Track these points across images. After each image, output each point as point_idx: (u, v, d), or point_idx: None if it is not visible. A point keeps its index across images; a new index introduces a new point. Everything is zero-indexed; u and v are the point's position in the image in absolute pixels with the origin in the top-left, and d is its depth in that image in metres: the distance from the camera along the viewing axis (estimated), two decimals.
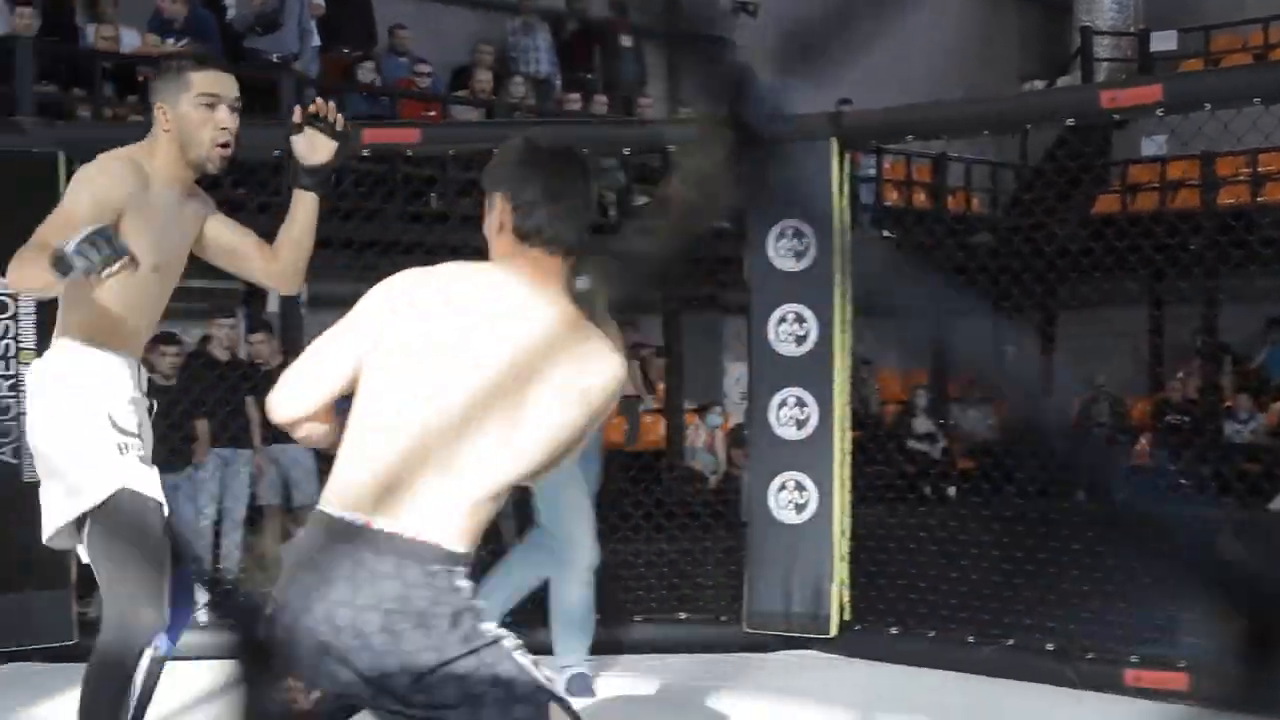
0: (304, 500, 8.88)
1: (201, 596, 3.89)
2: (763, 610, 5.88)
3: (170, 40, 10.14)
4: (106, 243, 3.18)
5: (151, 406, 3.73)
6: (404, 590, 2.50)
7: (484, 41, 12.59)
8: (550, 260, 2.65)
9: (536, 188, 2.65)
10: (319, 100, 3.75)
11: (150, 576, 3.43)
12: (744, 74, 1.83)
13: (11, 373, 5.77)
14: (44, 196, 5.67)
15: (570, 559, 5.18)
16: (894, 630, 5.83)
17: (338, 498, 2.59)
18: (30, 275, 3.33)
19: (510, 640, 2.57)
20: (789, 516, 5.84)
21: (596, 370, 2.60)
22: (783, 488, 5.84)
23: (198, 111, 3.59)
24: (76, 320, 3.57)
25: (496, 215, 2.69)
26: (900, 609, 6.05)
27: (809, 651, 5.82)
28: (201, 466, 8.34)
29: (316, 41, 11.30)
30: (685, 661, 5.77)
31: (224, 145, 3.63)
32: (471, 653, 2.53)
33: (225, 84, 3.64)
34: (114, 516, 3.43)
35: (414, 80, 11.69)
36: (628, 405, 11.13)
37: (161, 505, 3.47)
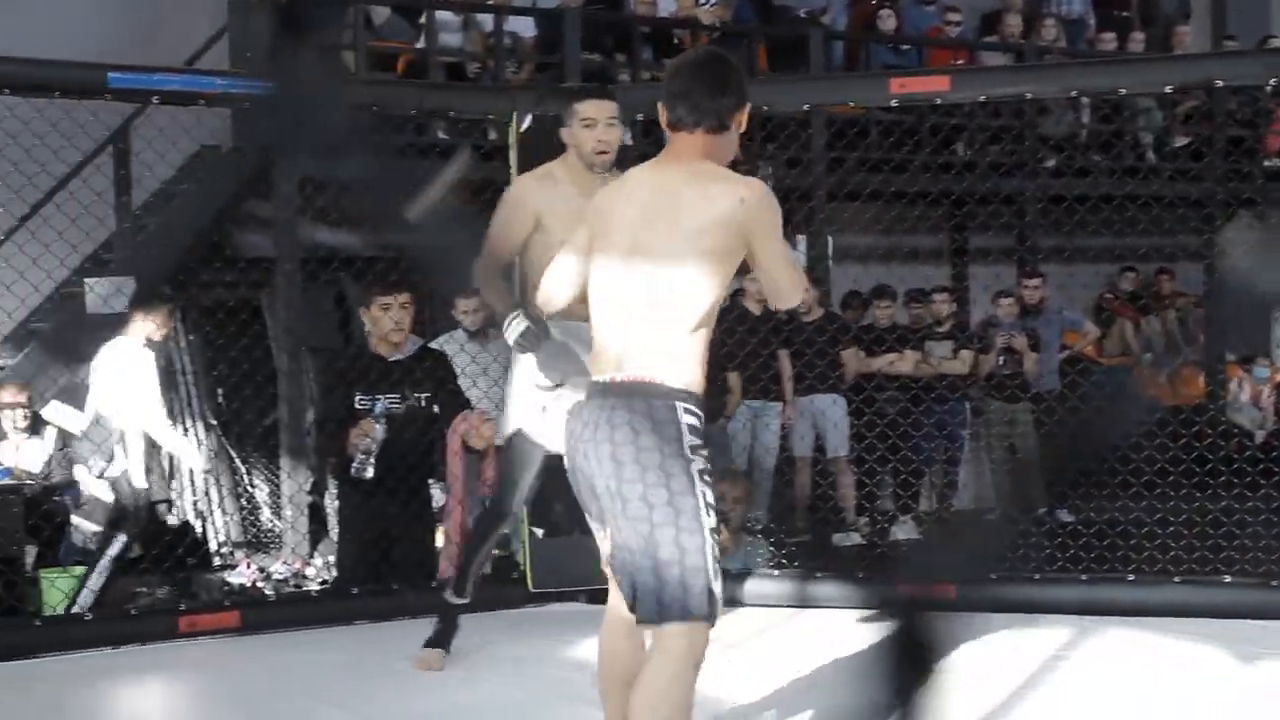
0: (834, 452, 9.01)
1: None
2: None
3: (704, 2, 10.45)
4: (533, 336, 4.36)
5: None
6: (631, 418, 3.24)
7: None
8: (691, 137, 3.38)
9: (674, 88, 3.40)
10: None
11: (514, 487, 4.88)
12: None
13: None
14: None
15: None
16: None
17: (595, 368, 3.39)
18: (489, 297, 4.99)
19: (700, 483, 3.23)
20: None
21: (719, 199, 3.29)
22: None
23: (582, 132, 4.79)
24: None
25: (661, 116, 3.44)
26: None
27: None
28: (733, 418, 8.59)
29: None
30: (1230, 626, 5.49)
31: (601, 153, 4.80)
32: (681, 460, 3.21)
33: (599, 109, 4.79)
34: (509, 446, 4.91)
35: (943, 28, 11.57)
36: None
37: (539, 445, 4.78)
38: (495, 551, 7.65)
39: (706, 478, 3.25)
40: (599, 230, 3.45)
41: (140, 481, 6.88)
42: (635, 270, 3.31)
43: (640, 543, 3.22)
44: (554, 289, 3.67)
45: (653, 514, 3.20)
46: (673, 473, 3.21)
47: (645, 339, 3.29)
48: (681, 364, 3.28)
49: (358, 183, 7.43)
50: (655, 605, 3.21)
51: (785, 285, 3.44)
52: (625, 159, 5.34)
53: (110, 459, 7.02)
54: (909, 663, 3.43)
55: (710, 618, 3.22)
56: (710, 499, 3.24)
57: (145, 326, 7.10)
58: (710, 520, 3.23)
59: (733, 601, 5.99)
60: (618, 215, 3.41)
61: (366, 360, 6.09)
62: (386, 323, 6.05)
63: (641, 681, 3.24)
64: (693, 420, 3.27)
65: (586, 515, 3.47)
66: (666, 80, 3.44)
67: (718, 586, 3.22)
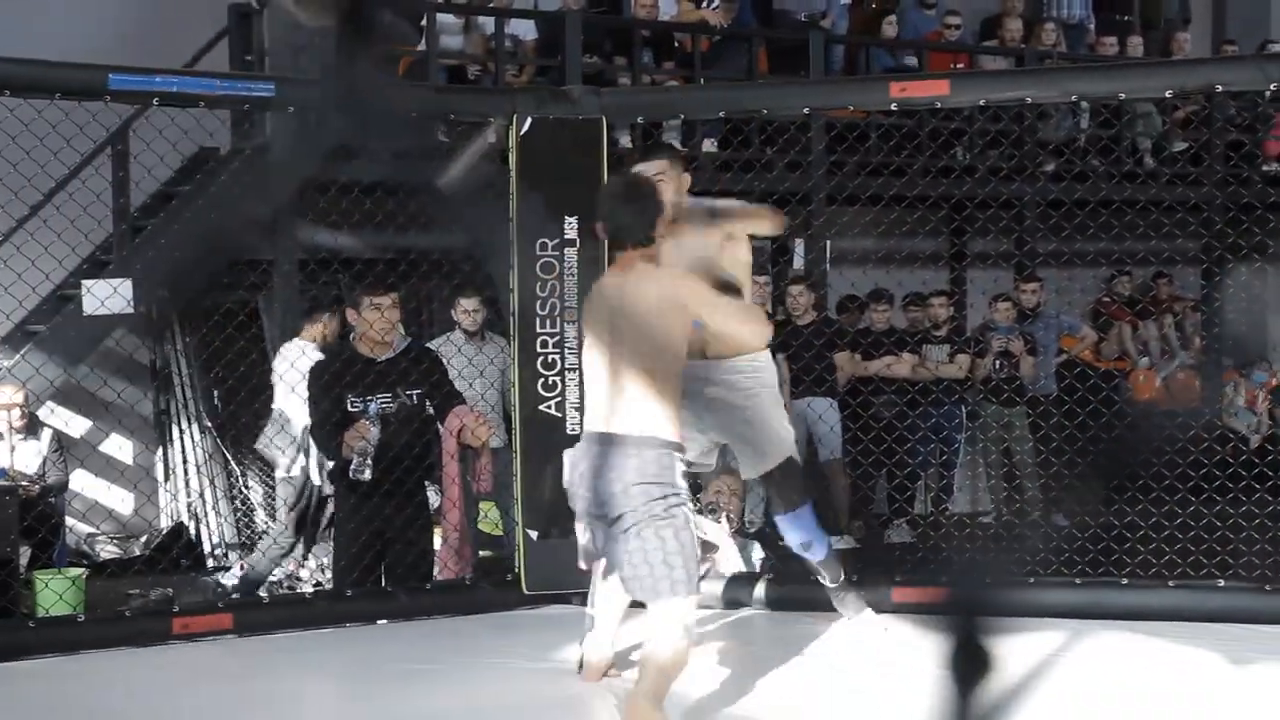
0: (827, 455, 9.01)
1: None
2: None
3: (704, 4, 10.45)
4: None
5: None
6: (640, 464, 4.11)
7: None
8: (628, 253, 4.31)
9: (606, 210, 4.37)
10: None
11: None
12: None
13: (557, 331, 6.13)
14: (590, 160, 6.06)
15: None
16: None
17: (591, 421, 4.31)
18: None
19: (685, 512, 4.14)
20: None
21: (662, 293, 4.22)
22: None
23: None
24: None
25: (599, 232, 4.45)
26: None
27: None
28: None
29: None
30: (1224, 631, 5.49)
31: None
32: (656, 483, 4.10)
33: (647, 168, 4.94)
34: None
35: (943, 32, 11.57)
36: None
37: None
38: (486, 553, 7.69)
39: (674, 502, 4.11)
40: (589, 322, 4.40)
41: (316, 479, 6.93)
42: (615, 356, 4.22)
43: (633, 541, 4.08)
44: None
45: (638, 522, 4.08)
46: (652, 493, 4.09)
47: (627, 405, 4.19)
48: (654, 417, 4.16)
49: (409, 183, 7.45)
50: (651, 587, 4.05)
51: (740, 336, 4.53)
52: (623, 162, 5.38)
53: (293, 457, 7.10)
54: (970, 665, 3.45)
55: (688, 592, 4.07)
56: (685, 498, 4.15)
57: (318, 329, 7.21)
58: (683, 514, 4.10)
59: (728, 605, 5.99)
60: (599, 316, 4.32)
61: (356, 362, 6.08)
62: (380, 322, 6.05)
63: (644, 649, 4.15)
64: (663, 453, 4.13)
65: (578, 521, 4.38)
66: (600, 201, 4.41)
67: (693, 566, 4.08)
